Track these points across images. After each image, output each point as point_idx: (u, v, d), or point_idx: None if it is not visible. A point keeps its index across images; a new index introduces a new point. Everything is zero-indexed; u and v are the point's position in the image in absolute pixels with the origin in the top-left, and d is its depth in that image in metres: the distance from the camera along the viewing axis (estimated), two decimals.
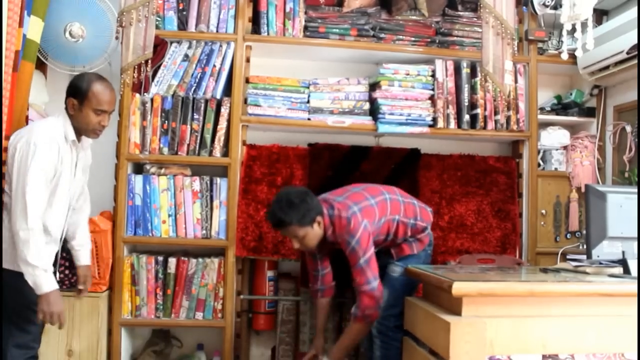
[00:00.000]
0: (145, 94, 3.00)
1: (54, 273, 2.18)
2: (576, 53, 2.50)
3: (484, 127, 3.15)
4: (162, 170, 3.00)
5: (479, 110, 3.15)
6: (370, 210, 2.45)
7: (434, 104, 3.14)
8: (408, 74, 3.14)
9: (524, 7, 3.25)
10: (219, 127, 2.99)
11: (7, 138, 2.17)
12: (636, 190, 2.32)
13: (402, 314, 2.45)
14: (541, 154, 3.30)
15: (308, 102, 3.10)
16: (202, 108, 2.98)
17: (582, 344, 1.96)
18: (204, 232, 2.99)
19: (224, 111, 3.00)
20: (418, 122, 3.10)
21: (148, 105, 2.97)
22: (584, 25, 2.43)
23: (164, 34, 3.01)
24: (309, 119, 3.08)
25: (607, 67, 3.05)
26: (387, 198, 2.54)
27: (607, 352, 1.97)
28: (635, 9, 2.81)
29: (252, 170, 3.02)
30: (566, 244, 3.21)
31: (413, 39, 3.19)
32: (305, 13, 3.13)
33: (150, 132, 2.97)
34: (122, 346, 2.91)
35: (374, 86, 3.15)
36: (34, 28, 2.50)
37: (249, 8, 3.09)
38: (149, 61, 2.81)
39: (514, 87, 3.18)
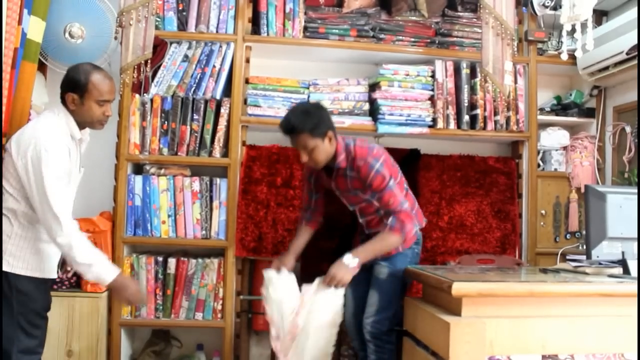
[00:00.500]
0: (145, 94, 3.00)
1: (63, 270, 2.18)
2: (576, 54, 2.50)
3: (484, 128, 3.15)
4: (162, 171, 3.00)
5: (478, 111, 3.15)
6: (391, 163, 2.46)
7: (433, 104, 3.14)
8: (408, 75, 3.14)
9: (524, 8, 3.25)
10: (218, 127, 2.99)
11: (4, 136, 2.16)
12: (636, 190, 2.32)
13: (395, 315, 2.44)
14: (541, 154, 3.30)
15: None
16: (202, 108, 2.98)
17: (582, 344, 1.96)
18: (204, 232, 2.99)
19: (224, 112, 3.00)
20: (418, 122, 3.10)
21: (148, 105, 2.97)
22: (583, 25, 2.43)
23: (163, 34, 3.01)
24: None
25: (606, 68, 3.06)
26: (400, 174, 2.53)
27: (606, 352, 1.98)
28: (635, 9, 2.81)
29: (251, 171, 3.02)
30: (566, 245, 3.21)
31: (413, 39, 3.19)
32: (305, 14, 3.13)
33: (150, 133, 2.97)
34: (121, 346, 2.91)
35: (373, 87, 3.15)
36: (35, 28, 2.50)
37: (249, 8, 3.09)
38: (149, 61, 2.81)
39: (513, 88, 3.18)
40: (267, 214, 3.01)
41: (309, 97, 3.09)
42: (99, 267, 2.07)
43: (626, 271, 2.18)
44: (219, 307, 2.95)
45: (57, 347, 2.72)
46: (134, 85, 2.89)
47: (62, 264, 2.29)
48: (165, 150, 2.98)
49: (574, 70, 3.27)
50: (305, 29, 3.13)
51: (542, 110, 3.35)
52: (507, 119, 3.18)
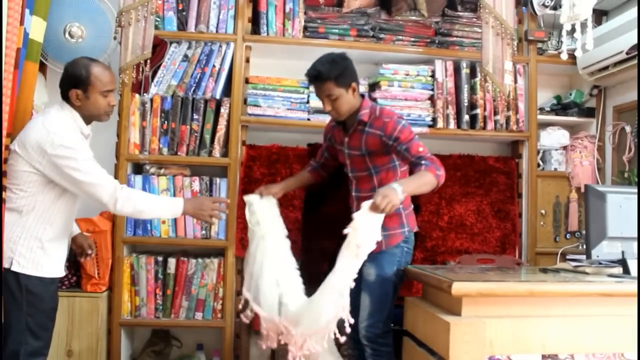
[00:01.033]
0: (144, 94, 3.00)
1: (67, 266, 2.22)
2: (576, 53, 2.50)
3: (484, 128, 3.16)
4: (162, 171, 2.99)
5: (478, 111, 3.15)
6: None
7: (433, 104, 3.14)
8: (408, 74, 3.14)
9: (524, 8, 3.25)
10: (218, 127, 2.99)
11: (9, 136, 2.16)
12: (636, 190, 2.32)
13: (389, 317, 2.41)
14: (541, 154, 3.30)
15: (308, 102, 3.10)
16: (202, 108, 2.98)
17: (582, 344, 1.97)
18: (204, 232, 2.99)
19: (224, 111, 3.00)
20: (417, 122, 3.10)
21: (147, 105, 2.97)
22: (583, 25, 2.43)
23: (163, 34, 3.01)
24: (308, 119, 3.08)
25: (606, 68, 3.06)
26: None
27: (606, 352, 1.98)
28: (635, 9, 2.81)
29: (251, 171, 3.02)
30: (566, 244, 3.21)
31: (413, 39, 3.19)
32: (305, 13, 3.13)
33: (150, 133, 2.97)
34: (121, 346, 2.91)
35: (373, 86, 3.15)
36: (37, 28, 2.50)
37: (249, 8, 3.09)
38: (148, 61, 2.80)
39: (513, 88, 3.18)
40: None
41: (309, 97, 3.09)
42: (165, 204, 2.21)
43: (626, 271, 2.18)
44: (219, 307, 2.95)
45: (57, 347, 2.71)
46: (134, 85, 2.89)
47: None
48: (165, 150, 2.98)
49: (574, 70, 3.27)
50: (305, 28, 3.13)
51: (542, 109, 3.35)
52: (507, 119, 3.19)
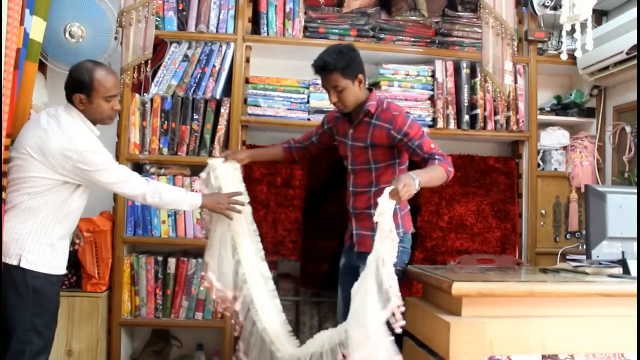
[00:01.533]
0: (145, 94, 3.00)
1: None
2: (576, 54, 2.50)
3: (484, 128, 3.16)
4: (162, 171, 3.00)
5: (478, 111, 3.15)
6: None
7: (433, 104, 3.14)
8: (408, 75, 3.14)
9: (524, 8, 3.25)
10: (218, 127, 2.99)
11: (9, 136, 2.16)
12: (636, 190, 2.32)
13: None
14: (541, 154, 3.30)
15: (308, 102, 3.10)
16: (202, 108, 2.98)
17: (582, 345, 1.96)
18: (204, 232, 2.98)
19: (224, 112, 3.00)
20: (418, 122, 3.09)
21: (148, 105, 2.97)
22: (583, 26, 2.43)
23: (164, 34, 3.01)
24: (309, 120, 3.08)
25: (607, 68, 3.06)
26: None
27: (606, 352, 1.98)
28: (635, 9, 2.81)
29: (251, 171, 3.02)
30: (566, 245, 3.21)
31: (413, 39, 3.19)
32: (305, 14, 3.14)
33: (150, 133, 2.98)
34: (121, 346, 2.91)
35: (374, 87, 3.15)
36: (37, 28, 2.50)
37: (249, 8, 3.09)
38: (149, 62, 2.81)
39: (513, 88, 3.18)
40: (267, 214, 3.01)
41: (309, 97, 3.09)
42: (187, 197, 2.27)
43: (626, 271, 2.18)
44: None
45: (57, 347, 2.70)
46: (134, 85, 2.89)
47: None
48: (165, 150, 2.98)
49: (574, 71, 3.27)
50: (306, 29, 3.14)
51: (542, 110, 3.35)
52: (508, 119, 3.19)
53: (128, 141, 2.95)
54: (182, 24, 3.07)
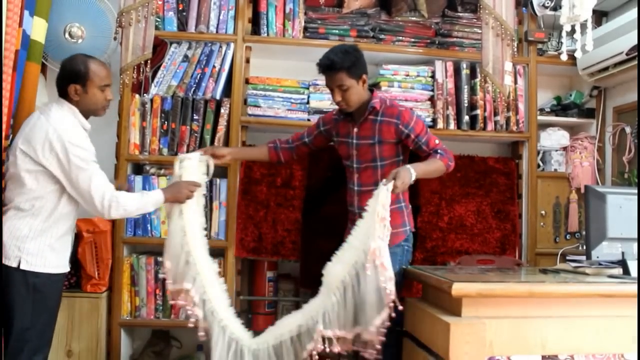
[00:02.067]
0: (144, 94, 3.00)
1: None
2: (576, 54, 2.50)
3: (484, 128, 3.16)
4: (162, 171, 3.00)
5: (478, 111, 3.15)
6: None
7: (433, 105, 3.14)
8: (408, 75, 3.14)
9: (524, 8, 3.26)
10: (218, 127, 2.99)
11: (7, 138, 2.17)
12: (636, 191, 2.32)
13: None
14: (541, 155, 3.30)
15: (308, 103, 3.10)
16: (202, 109, 2.98)
17: (582, 345, 1.96)
18: (204, 232, 2.98)
19: (224, 112, 3.00)
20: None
21: (148, 106, 2.97)
22: (583, 26, 2.43)
23: (163, 34, 3.01)
24: (308, 120, 3.08)
25: (606, 69, 3.06)
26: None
27: (606, 352, 1.98)
28: (635, 10, 2.82)
29: (251, 171, 3.02)
30: (566, 245, 3.21)
31: (413, 40, 3.19)
32: (305, 14, 3.14)
33: (150, 133, 2.98)
34: (121, 347, 2.91)
35: (373, 87, 3.14)
36: (38, 29, 2.50)
37: (249, 9, 3.09)
38: (149, 62, 2.80)
39: (513, 88, 3.19)
40: (267, 214, 3.01)
41: (308, 97, 3.09)
42: (150, 199, 2.23)
43: (626, 272, 2.18)
44: None
45: (57, 347, 2.71)
46: (134, 85, 2.89)
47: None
48: (165, 151, 2.98)
49: (574, 71, 3.27)
50: (305, 29, 3.14)
51: (542, 110, 3.35)
52: (507, 120, 3.19)
53: (128, 141, 2.95)
54: (182, 24, 3.07)
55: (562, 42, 2.69)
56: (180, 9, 3.07)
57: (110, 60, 3.00)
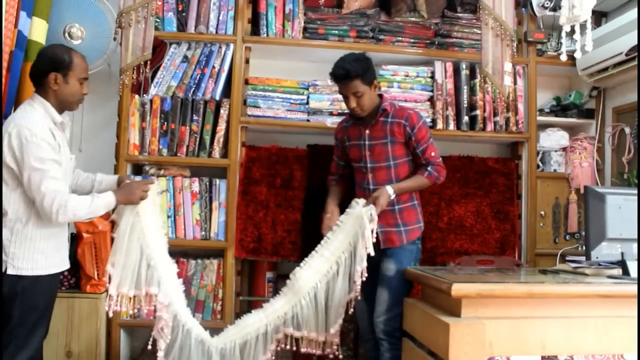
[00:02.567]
0: (144, 95, 3.00)
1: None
2: (575, 55, 2.50)
3: (483, 129, 3.16)
4: (162, 172, 3.00)
5: (478, 112, 3.15)
6: None
7: (433, 105, 3.14)
8: (407, 76, 3.14)
9: (523, 9, 3.26)
10: (218, 128, 2.99)
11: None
12: (635, 191, 2.32)
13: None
14: (540, 155, 3.30)
15: (307, 103, 3.10)
16: (202, 109, 2.98)
17: (581, 345, 1.96)
18: (203, 233, 2.99)
19: (223, 112, 3.00)
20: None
21: (147, 106, 2.97)
22: (583, 27, 2.43)
23: (163, 35, 3.01)
24: (308, 120, 3.08)
25: (606, 69, 3.06)
26: None
27: (606, 353, 1.98)
28: (634, 10, 2.82)
29: (251, 172, 3.02)
30: (565, 246, 3.21)
31: (412, 40, 3.19)
32: (305, 14, 3.14)
33: (150, 133, 2.97)
34: (121, 347, 2.91)
35: None
36: (38, 29, 2.51)
37: (249, 9, 3.09)
38: (148, 62, 2.80)
39: (513, 89, 3.19)
40: (267, 215, 3.01)
41: (308, 97, 3.09)
42: (101, 202, 2.14)
43: (625, 272, 2.18)
44: (219, 308, 2.95)
45: (56, 348, 2.71)
46: (134, 86, 2.89)
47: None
48: (164, 151, 2.98)
49: (574, 71, 3.28)
50: (305, 29, 3.14)
51: (541, 111, 3.35)
52: (507, 120, 3.19)
53: (127, 142, 2.95)
54: (182, 25, 3.07)
55: (561, 43, 2.69)
56: (179, 9, 3.07)
57: (110, 61, 3.00)
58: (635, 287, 1.96)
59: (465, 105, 3.16)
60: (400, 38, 3.18)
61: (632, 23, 2.80)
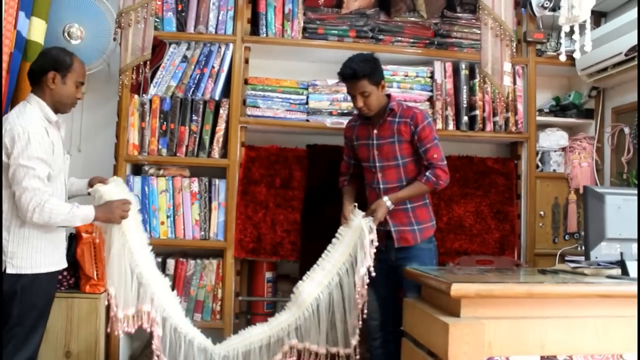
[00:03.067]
0: (143, 95, 3.00)
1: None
2: (574, 55, 2.50)
3: (483, 129, 3.16)
4: (161, 172, 3.00)
5: (477, 112, 3.15)
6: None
7: (432, 105, 3.14)
8: (407, 76, 3.14)
9: (523, 9, 3.26)
10: (217, 128, 2.99)
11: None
12: (634, 191, 2.32)
13: None
14: (540, 155, 3.30)
15: (307, 103, 3.10)
16: (201, 109, 2.98)
17: (581, 345, 1.96)
18: (203, 233, 2.99)
19: (223, 112, 3.00)
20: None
21: (147, 106, 2.97)
22: (582, 27, 2.43)
23: (162, 35, 3.01)
24: (307, 120, 3.08)
25: (605, 69, 3.07)
26: None
27: (605, 353, 1.98)
28: (633, 10, 2.82)
29: (250, 172, 3.02)
30: (564, 246, 3.21)
31: (412, 40, 3.19)
32: (304, 14, 3.14)
33: (149, 134, 2.97)
34: (120, 347, 2.90)
35: None
36: (37, 30, 2.51)
37: (248, 9, 3.09)
38: (148, 62, 2.80)
39: (512, 89, 3.19)
40: (266, 215, 3.01)
41: (307, 97, 3.09)
42: (80, 212, 2.12)
43: (625, 272, 2.18)
44: (218, 308, 2.95)
45: (55, 348, 2.71)
46: (133, 86, 2.89)
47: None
48: (164, 151, 2.98)
49: (573, 72, 3.28)
50: (304, 29, 3.14)
51: (540, 111, 3.35)
52: (506, 120, 3.19)
53: (127, 142, 2.95)
54: (181, 25, 3.07)
55: (561, 43, 2.70)
56: (179, 9, 3.07)
57: (109, 61, 3.00)
58: (635, 287, 1.96)
59: (465, 105, 3.16)
60: (399, 38, 3.18)
61: (632, 23, 2.80)
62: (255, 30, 3.11)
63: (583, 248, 2.41)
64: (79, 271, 2.83)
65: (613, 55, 2.94)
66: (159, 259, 2.95)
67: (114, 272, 2.29)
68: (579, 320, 1.98)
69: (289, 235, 3.01)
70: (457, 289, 1.88)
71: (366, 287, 2.41)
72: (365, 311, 2.43)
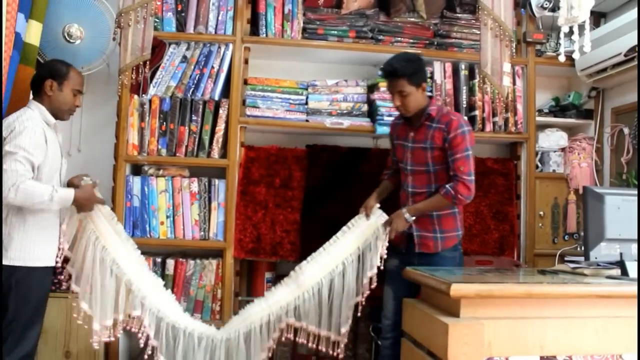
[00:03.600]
0: (143, 95, 3.00)
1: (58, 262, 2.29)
2: (574, 55, 2.50)
3: (482, 129, 3.16)
4: (161, 172, 2.99)
5: (477, 112, 3.15)
6: (472, 139, 2.61)
7: None
8: None
9: (522, 10, 3.26)
10: (217, 128, 2.99)
11: None
12: (634, 192, 2.32)
13: None
14: (539, 155, 3.30)
15: (306, 103, 3.10)
16: (201, 109, 2.98)
17: (580, 346, 1.96)
18: (202, 233, 2.99)
19: (222, 113, 3.00)
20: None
21: (146, 106, 2.97)
22: (581, 27, 2.43)
23: (162, 35, 3.01)
24: (307, 121, 3.08)
25: (604, 70, 3.07)
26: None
27: (605, 353, 1.98)
28: (633, 11, 2.82)
29: (250, 172, 3.02)
30: (564, 246, 3.21)
31: (411, 40, 3.19)
32: (304, 15, 3.14)
33: (149, 134, 2.97)
34: (120, 348, 2.91)
35: (372, 88, 3.15)
36: (33, 32, 2.52)
37: (248, 9, 3.09)
38: (147, 62, 2.80)
39: (512, 89, 3.19)
40: (266, 215, 3.01)
41: (307, 98, 3.09)
42: (58, 196, 2.17)
43: (624, 273, 2.18)
44: (217, 309, 2.95)
45: (54, 348, 2.71)
46: (133, 86, 2.89)
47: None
48: (163, 151, 2.98)
49: (572, 72, 3.28)
50: (304, 30, 3.14)
51: (540, 111, 3.35)
52: (506, 120, 3.19)
53: (126, 142, 2.95)
54: (181, 25, 3.07)
55: (560, 43, 2.69)
56: (179, 9, 3.07)
57: (109, 61, 3.00)
58: (635, 288, 1.96)
59: (464, 106, 3.16)
60: (399, 38, 3.18)
61: (631, 24, 2.81)
62: (254, 30, 3.11)
63: (582, 248, 2.40)
64: None
65: (612, 56, 2.94)
66: (159, 259, 2.95)
67: (93, 286, 2.35)
68: (578, 320, 1.98)
69: (289, 235, 3.01)
70: (456, 289, 1.88)
71: (382, 285, 2.46)
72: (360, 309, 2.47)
